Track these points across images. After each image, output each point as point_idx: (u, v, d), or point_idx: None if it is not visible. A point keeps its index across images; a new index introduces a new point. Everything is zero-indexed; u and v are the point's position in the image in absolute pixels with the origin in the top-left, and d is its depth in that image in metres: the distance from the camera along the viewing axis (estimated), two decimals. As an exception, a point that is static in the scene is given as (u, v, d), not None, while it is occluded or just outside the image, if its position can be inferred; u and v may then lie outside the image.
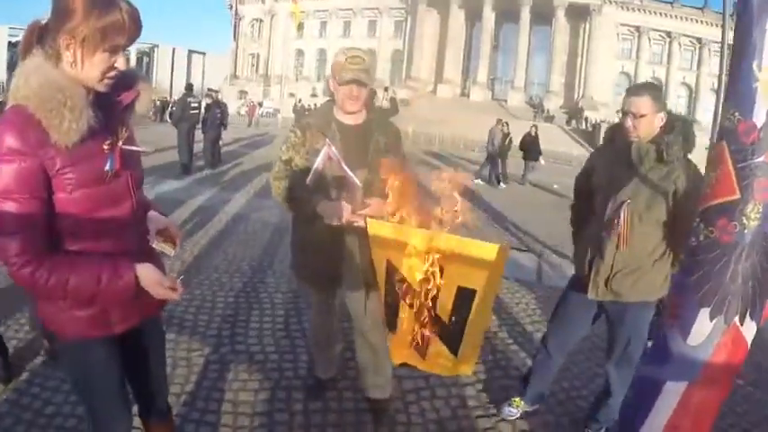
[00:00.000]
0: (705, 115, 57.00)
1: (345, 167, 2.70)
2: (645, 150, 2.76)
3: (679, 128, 2.78)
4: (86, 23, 1.53)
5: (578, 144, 41.55)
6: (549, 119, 51.12)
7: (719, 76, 14.11)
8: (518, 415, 3.45)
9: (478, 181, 16.14)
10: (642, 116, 2.74)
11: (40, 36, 1.62)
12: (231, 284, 5.31)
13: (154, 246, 1.95)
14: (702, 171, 2.27)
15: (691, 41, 62.19)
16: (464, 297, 2.29)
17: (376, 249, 2.40)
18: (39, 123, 1.53)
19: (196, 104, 13.54)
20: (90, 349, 1.81)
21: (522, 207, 12.41)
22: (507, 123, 18.19)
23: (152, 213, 1.99)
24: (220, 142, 14.92)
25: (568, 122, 52.77)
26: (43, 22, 1.62)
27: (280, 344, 4.17)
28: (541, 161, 19.29)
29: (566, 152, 32.09)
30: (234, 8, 77.75)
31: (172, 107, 19.18)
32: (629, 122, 2.78)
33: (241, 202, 9.96)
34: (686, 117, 3.16)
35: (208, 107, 14.04)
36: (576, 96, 60.78)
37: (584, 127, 51.13)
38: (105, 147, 1.68)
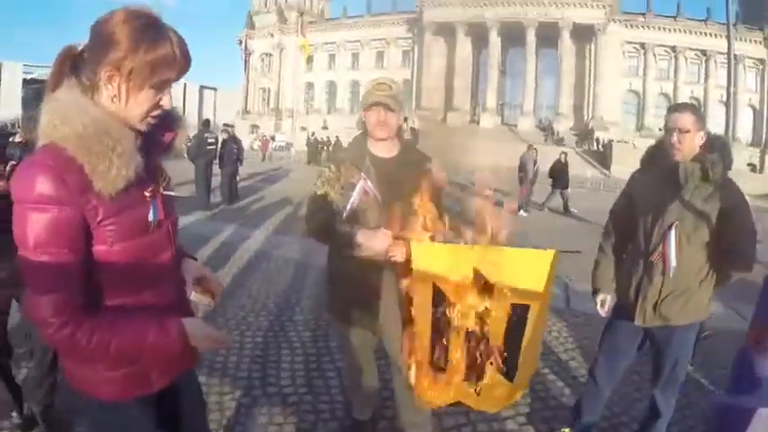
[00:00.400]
0: (714, 129, 56.61)
1: (380, 200, 2.70)
2: (691, 170, 2.74)
3: (720, 146, 2.81)
4: (134, 56, 1.38)
5: (590, 165, 41.30)
6: (560, 141, 50.90)
7: (728, 88, 14.11)
8: (569, 445, 3.38)
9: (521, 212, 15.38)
10: (687, 132, 2.75)
11: (74, 65, 1.46)
12: (258, 324, 5.23)
13: (191, 298, 1.79)
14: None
15: (696, 54, 61.91)
16: (518, 315, 2.21)
17: (420, 275, 2.30)
18: (80, 168, 1.35)
19: (213, 140, 13.65)
20: (126, 410, 1.61)
21: (541, 233, 12.28)
22: (537, 150, 17.53)
23: (188, 262, 1.85)
24: (237, 177, 15.01)
25: (579, 144, 52.58)
26: (79, 48, 1.46)
27: (313, 384, 4.07)
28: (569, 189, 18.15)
29: (579, 174, 31.79)
30: (244, 43, 78.85)
31: (188, 143, 19.34)
32: (674, 138, 2.78)
33: (261, 238, 9.89)
34: (723, 136, 3.14)
35: (224, 142, 14.10)
36: (585, 117, 60.65)
37: (595, 148, 50.94)
38: (147, 194, 1.54)
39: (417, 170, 2.77)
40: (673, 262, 2.77)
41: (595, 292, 3.26)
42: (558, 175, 17.17)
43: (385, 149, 2.83)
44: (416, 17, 66.41)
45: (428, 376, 2.45)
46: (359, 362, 3.15)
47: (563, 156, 17.80)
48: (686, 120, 2.76)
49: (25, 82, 71.34)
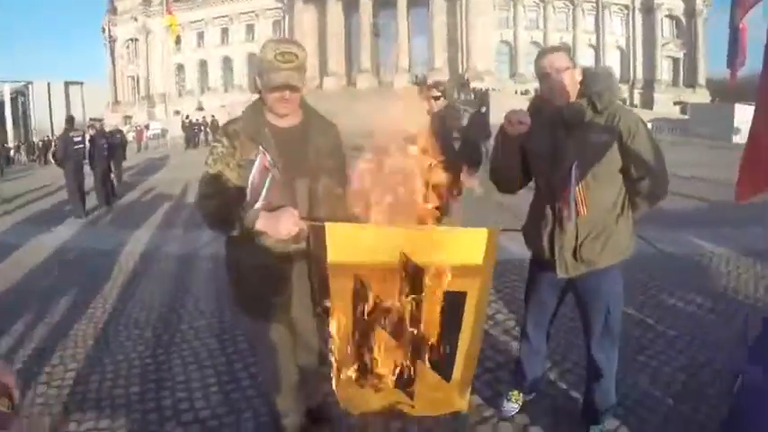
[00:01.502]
0: (584, 70, 60.08)
1: (285, 178, 2.35)
2: (578, 106, 2.61)
3: (604, 76, 2.70)
4: None
5: (469, 113, 42.23)
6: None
7: (597, 33, 14.76)
8: (518, 409, 3.20)
9: None
10: (565, 69, 2.61)
11: None
12: (157, 340, 4.57)
13: None
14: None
15: (564, 4, 64.89)
16: (453, 304, 2.01)
17: (337, 263, 2.02)
18: None
19: (79, 139, 12.37)
20: None
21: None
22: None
23: None
24: (112, 175, 13.93)
25: (457, 95, 53.59)
26: None
27: (231, 400, 3.58)
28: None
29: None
30: (107, 31, 74.41)
31: (54, 146, 17.74)
32: (552, 79, 2.62)
33: (145, 238, 9.07)
34: (605, 66, 3.01)
35: (92, 139, 12.85)
36: (460, 69, 61.95)
37: (472, 98, 52.20)
38: None
39: (323, 139, 2.52)
40: (582, 203, 2.58)
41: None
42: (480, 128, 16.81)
43: (286, 118, 2.44)
44: (284, -14, 64.92)
45: (351, 382, 2.20)
46: (276, 360, 2.65)
47: (483, 109, 17.92)
48: (560, 58, 2.63)
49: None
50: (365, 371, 2.18)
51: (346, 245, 2.02)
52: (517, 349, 3.84)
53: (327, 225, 2.06)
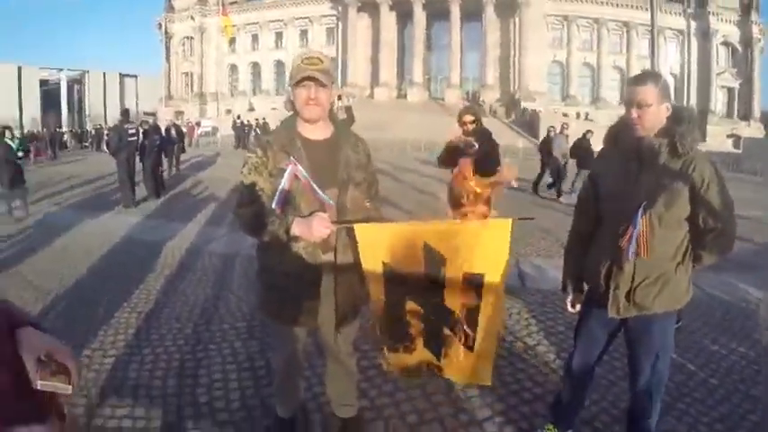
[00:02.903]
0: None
1: (315, 187, 2.48)
2: (657, 145, 2.50)
3: (688, 117, 2.56)
4: None
5: (520, 135, 41.83)
6: (492, 113, 51.54)
7: (651, 58, 14.40)
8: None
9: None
10: (648, 106, 2.48)
11: None
12: (198, 335, 4.66)
13: (38, 386, 1.22)
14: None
15: (618, 25, 63.91)
16: (472, 283, 2.25)
17: (368, 256, 2.30)
18: None
19: (133, 131, 12.76)
20: None
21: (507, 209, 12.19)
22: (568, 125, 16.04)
23: (27, 334, 1.30)
24: (161, 168, 14.27)
25: (507, 115, 53.30)
26: None
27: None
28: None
29: (510, 144, 32.13)
30: (163, 27, 76.22)
31: (107, 135, 18.24)
32: (633, 114, 2.51)
33: (192, 233, 9.24)
34: (692, 107, 2.89)
35: (145, 133, 13.27)
36: (511, 89, 61.51)
37: (522, 118, 51.79)
38: None
39: (352, 153, 2.65)
40: (643, 246, 2.51)
41: (564, 288, 3.02)
42: (584, 153, 14.46)
43: (317, 131, 2.60)
44: (340, -6, 65.71)
45: (390, 348, 2.59)
46: (292, 361, 2.94)
47: (589, 133, 15.20)
48: (647, 93, 2.49)
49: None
50: (401, 337, 2.47)
51: (375, 242, 2.26)
52: (555, 383, 3.82)
53: (357, 226, 2.29)
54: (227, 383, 3.82)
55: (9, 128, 11.58)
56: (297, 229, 2.39)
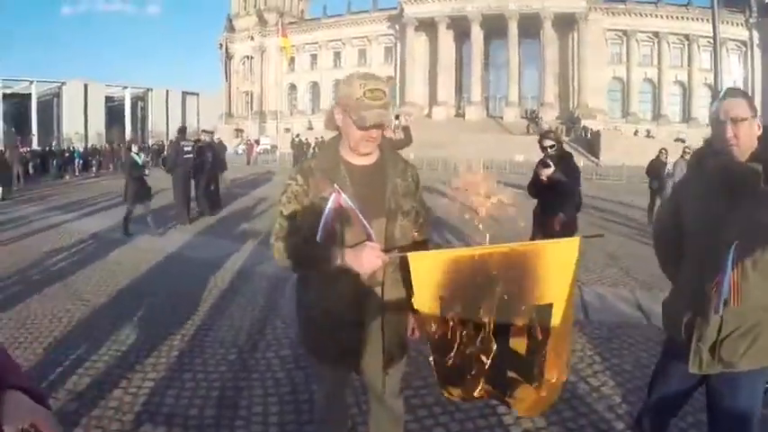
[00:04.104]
0: (700, 111, 57.22)
1: (361, 217, 2.24)
2: (752, 170, 2.09)
3: None
4: None
5: (580, 154, 40.91)
6: (549, 132, 50.78)
7: (714, 71, 13.80)
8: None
9: None
10: (743, 120, 2.11)
11: None
12: (243, 364, 4.45)
13: None
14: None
15: (678, 39, 62.33)
16: (540, 315, 1.99)
17: (422, 290, 2.07)
18: None
19: (189, 148, 12.80)
20: None
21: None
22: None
23: (10, 399, 1.14)
24: (221, 185, 14.33)
25: (566, 133, 52.27)
26: None
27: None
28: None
29: (571, 164, 31.31)
30: (224, 47, 78.45)
31: (165, 152, 18.59)
32: (729, 132, 2.12)
33: (246, 253, 9.10)
34: None
35: (200, 150, 13.24)
36: (570, 106, 60.56)
37: (583, 136, 50.77)
38: None
39: (401, 179, 2.40)
40: (734, 294, 2.11)
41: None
42: (660, 174, 13.76)
43: (363, 156, 2.34)
44: (397, 13, 66.42)
45: (452, 387, 2.28)
46: (334, 399, 2.74)
47: (663, 153, 14.38)
48: (741, 106, 2.13)
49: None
50: (460, 381, 2.20)
51: (430, 273, 2.04)
52: (620, 430, 3.48)
53: (411, 255, 2.06)
54: (268, 417, 3.60)
55: (135, 141, 11.79)
56: (346, 260, 2.14)
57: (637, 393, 3.95)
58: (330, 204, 2.23)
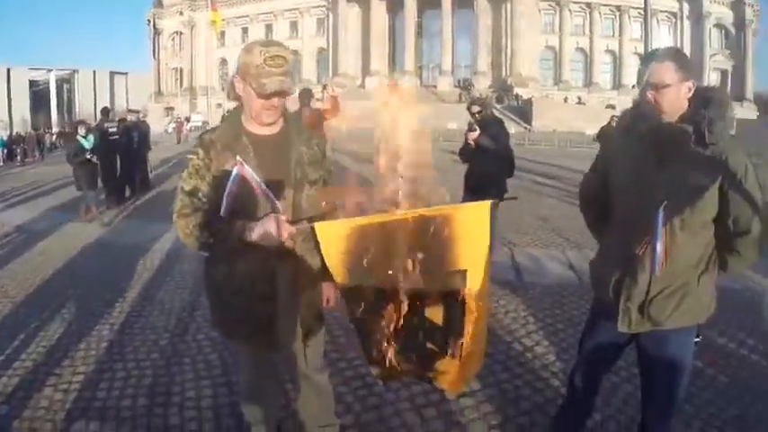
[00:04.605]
0: (630, 79, 59.02)
1: (266, 188, 2.18)
2: (681, 131, 2.09)
3: (718, 100, 2.12)
4: None
5: (513, 122, 41.61)
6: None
7: (644, 41, 14.17)
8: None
9: None
10: (666, 86, 2.07)
11: None
12: (174, 349, 4.31)
13: None
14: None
15: (610, 9, 63.94)
16: (454, 284, 1.88)
17: (332, 259, 1.94)
18: None
19: (114, 129, 12.24)
20: None
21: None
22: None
23: None
24: (148, 166, 13.91)
25: (499, 101, 52.97)
26: None
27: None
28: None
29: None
30: (152, 23, 75.78)
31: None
32: (649, 96, 2.10)
33: (175, 234, 8.70)
34: (720, 87, 2.46)
35: (126, 130, 12.63)
36: (503, 75, 61.33)
37: (515, 104, 51.68)
38: None
39: (306, 148, 2.33)
40: (663, 254, 2.13)
41: None
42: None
43: (267, 126, 2.26)
44: (329, -16, 65.24)
45: (375, 359, 2.13)
46: (258, 379, 2.68)
47: (615, 119, 13.88)
48: (664, 71, 2.08)
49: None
50: (378, 352, 2.08)
51: (338, 242, 1.91)
52: (556, 389, 3.55)
53: (317, 225, 1.91)
54: (201, 401, 3.50)
55: (84, 123, 10.95)
56: (250, 235, 2.06)
57: (570, 352, 4.04)
58: (233, 177, 2.15)
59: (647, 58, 2.21)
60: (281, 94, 2.14)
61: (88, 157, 10.15)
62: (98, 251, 7.80)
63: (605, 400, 3.38)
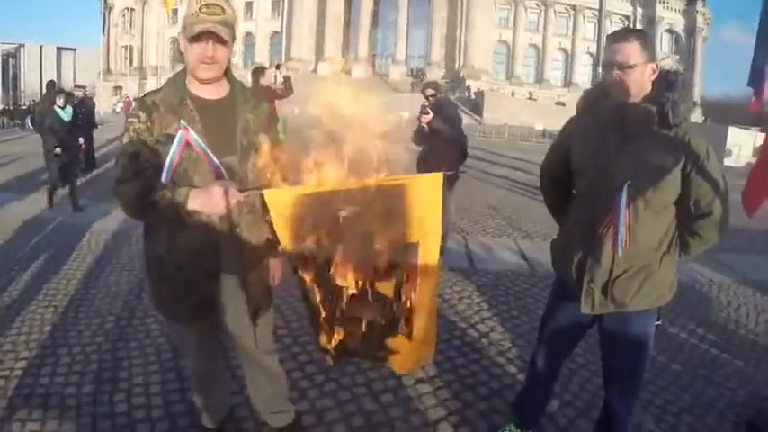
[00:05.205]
0: (581, 77, 60.37)
1: (210, 154, 2.07)
2: (646, 111, 2.11)
3: (681, 82, 2.15)
4: None
5: (464, 113, 42.01)
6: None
7: (597, 42, 14.52)
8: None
9: None
10: (630, 67, 2.09)
11: None
12: (121, 332, 4.16)
13: None
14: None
15: (565, 8, 65.02)
16: (407, 256, 1.86)
17: (282, 230, 1.86)
18: None
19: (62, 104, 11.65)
20: None
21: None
22: None
23: None
24: (94, 144, 13.44)
25: (451, 92, 53.35)
26: None
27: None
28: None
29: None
30: (103, -2, 73.44)
31: (34, 111, 17.03)
32: (614, 76, 2.12)
33: (121, 213, 8.43)
34: (682, 71, 2.48)
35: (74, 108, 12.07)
36: (457, 66, 61.70)
37: (467, 95, 52.14)
38: None
39: (252, 115, 2.24)
40: (625, 234, 2.15)
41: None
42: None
43: (212, 89, 2.17)
44: (285, -34, 64.30)
45: (326, 339, 2.08)
46: (205, 364, 2.58)
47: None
48: (629, 51, 2.10)
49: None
50: (329, 329, 2.03)
51: (288, 210, 1.84)
52: (513, 375, 3.57)
53: (267, 192, 1.83)
54: (149, 387, 3.38)
55: (63, 91, 9.98)
56: (195, 202, 1.95)
57: (525, 338, 4.13)
58: (176, 142, 2.03)
59: (613, 37, 2.21)
60: (213, 36, 2.02)
61: (57, 152, 9.28)
62: (41, 231, 7.48)
63: (563, 387, 3.44)
